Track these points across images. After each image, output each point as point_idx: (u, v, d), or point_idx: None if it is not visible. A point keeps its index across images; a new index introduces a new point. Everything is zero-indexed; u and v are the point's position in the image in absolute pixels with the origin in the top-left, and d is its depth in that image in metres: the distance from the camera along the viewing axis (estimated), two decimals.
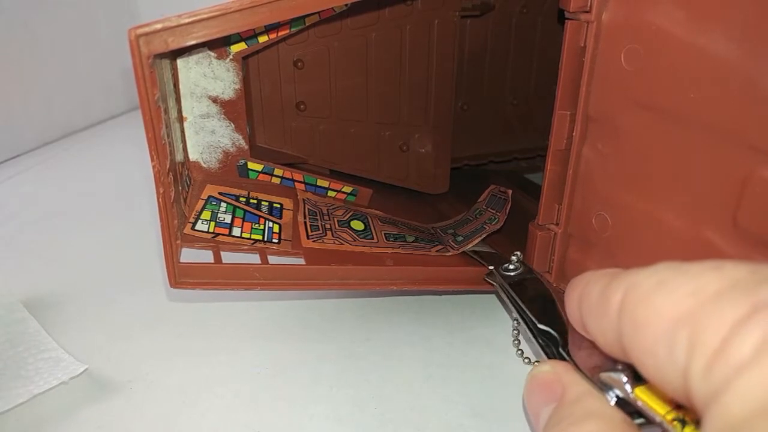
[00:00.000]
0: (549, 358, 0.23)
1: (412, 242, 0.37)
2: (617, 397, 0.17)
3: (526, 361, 0.32)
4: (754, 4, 0.22)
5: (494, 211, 0.38)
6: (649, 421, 0.16)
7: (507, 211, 0.38)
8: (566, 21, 0.30)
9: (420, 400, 0.30)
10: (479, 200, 0.41)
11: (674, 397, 0.14)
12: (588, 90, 0.30)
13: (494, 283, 0.32)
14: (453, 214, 0.43)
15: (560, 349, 0.23)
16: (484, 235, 0.37)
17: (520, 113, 0.53)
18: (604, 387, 0.17)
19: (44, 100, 0.68)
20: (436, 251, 0.36)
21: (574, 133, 0.31)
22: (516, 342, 0.32)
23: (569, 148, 0.32)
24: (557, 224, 0.34)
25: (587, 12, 0.29)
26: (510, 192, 0.39)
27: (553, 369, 0.19)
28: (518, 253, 0.32)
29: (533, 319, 0.26)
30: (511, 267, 0.32)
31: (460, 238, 0.38)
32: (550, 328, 0.25)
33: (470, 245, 0.36)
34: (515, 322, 0.27)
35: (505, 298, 0.30)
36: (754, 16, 0.22)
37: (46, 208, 0.52)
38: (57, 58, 0.68)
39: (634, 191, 0.29)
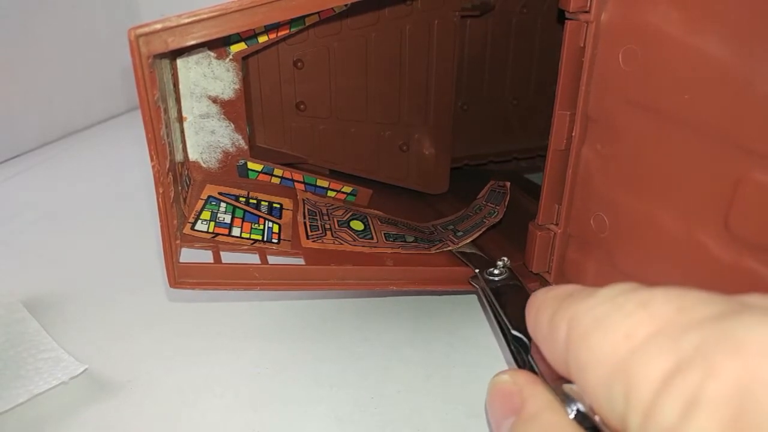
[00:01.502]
0: (519, 366, 0.23)
1: (412, 242, 0.37)
2: (578, 410, 0.16)
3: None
4: (749, 7, 0.22)
5: (493, 206, 0.38)
6: None
7: (506, 203, 0.37)
8: (566, 21, 0.30)
9: (420, 400, 0.30)
10: (479, 196, 0.41)
11: None
12: (587, 90, 0.30)
13: (477, 286, 0.32)
14: (453, 214, 0.43)
15: (529, 357, 0.23)
16: (483, 229, 0.37)
17: (520, 113, 0.53)
18: (567, 399, 0.17)
19: (44, 100, 0.68)
20: (436, 250, 0.36)
21: (573, 134, 0.31)
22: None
23: (569, 149, 0.32)
24: (557, 224, 0.34)
25: (587, 12, 0.29)
26: (508, 185, 0.39)
27: (513, 379, 0.18)
28: (505, 258, 0.32)
29: (507, 324, 0.26)
30: (496, 272, 0.31)
31: (460, 233, 0.38)
32: (523, 334, 0.24)
33: (470, 239, 0.37)
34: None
35: (485, 303, 0.30)
36: (749, 18, 0.22)
37: (46, 208, 0.52)
38: (57, 58, 0.68)
39: (631, 192, 0.29)
